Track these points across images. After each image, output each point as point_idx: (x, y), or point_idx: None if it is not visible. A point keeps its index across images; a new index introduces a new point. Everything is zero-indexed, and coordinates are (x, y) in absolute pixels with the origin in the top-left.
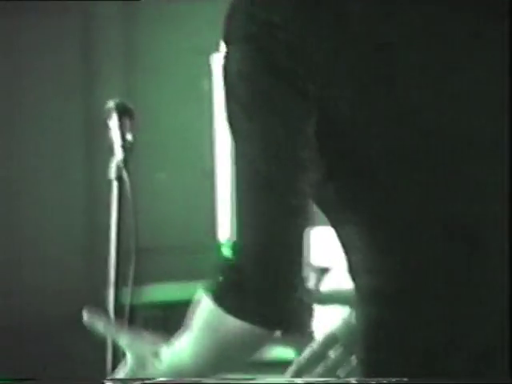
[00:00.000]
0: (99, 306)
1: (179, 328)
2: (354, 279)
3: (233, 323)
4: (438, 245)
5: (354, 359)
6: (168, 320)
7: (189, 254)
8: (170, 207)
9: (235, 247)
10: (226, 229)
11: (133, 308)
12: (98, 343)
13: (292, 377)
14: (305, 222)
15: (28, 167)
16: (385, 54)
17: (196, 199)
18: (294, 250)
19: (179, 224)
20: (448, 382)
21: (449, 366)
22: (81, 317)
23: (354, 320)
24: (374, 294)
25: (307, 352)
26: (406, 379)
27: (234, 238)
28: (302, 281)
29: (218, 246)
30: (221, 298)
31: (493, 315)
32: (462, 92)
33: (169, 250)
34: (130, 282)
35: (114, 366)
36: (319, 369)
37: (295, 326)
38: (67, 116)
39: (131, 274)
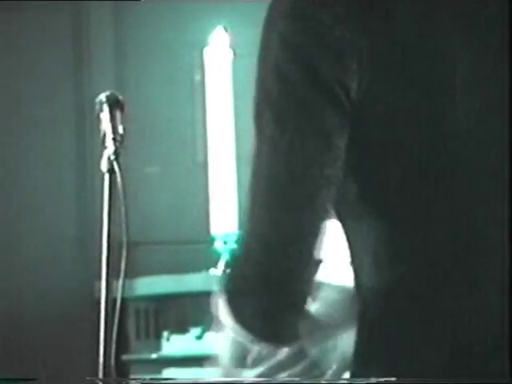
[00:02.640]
0: (91, 298)
1: (170, 320)
2: (358, 285)
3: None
4: (446, 251)
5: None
6: (160, 313)
7: (181, 247)
8: (161, 200)
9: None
10: (218, 222)
11: (125, 301)
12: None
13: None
14: (320, 242)
15: (18, 160)
16: (427, 78)
17: (188, 192)
18: (304, 273)
19: (171, 217)
20: (448, 381)
21: (449, 366)
22: (72, 310)
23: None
24: (380, 296)
25: (272, 362)
26: (405, 379)
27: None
28: (308, 300)
29: (210, 239)
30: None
31: (493, 315)
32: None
33: (161, 242)
34: (121, 275)
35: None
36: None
37: (291, 340)
38: (58, 108)
39: (123, 266)
